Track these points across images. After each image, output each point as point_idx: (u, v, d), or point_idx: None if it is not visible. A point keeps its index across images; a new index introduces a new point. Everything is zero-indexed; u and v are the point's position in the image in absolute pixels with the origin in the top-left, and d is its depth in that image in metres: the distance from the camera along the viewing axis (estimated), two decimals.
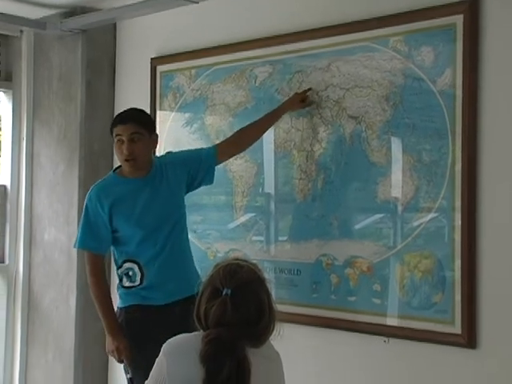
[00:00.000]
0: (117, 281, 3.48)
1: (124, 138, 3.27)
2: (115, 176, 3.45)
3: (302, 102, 3.50)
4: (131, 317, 3.38)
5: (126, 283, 3.39)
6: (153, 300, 3.34)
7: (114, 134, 3.33)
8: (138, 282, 3.36)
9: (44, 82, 4.65)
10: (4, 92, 4.79)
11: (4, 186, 4.71)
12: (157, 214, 3.35)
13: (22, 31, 4.64)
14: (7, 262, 4.69)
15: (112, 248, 3.43)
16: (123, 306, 3.42)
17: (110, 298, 3.40)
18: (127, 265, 3.38)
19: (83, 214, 3.40)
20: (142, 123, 3.32)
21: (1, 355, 4.72)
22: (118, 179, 3.42)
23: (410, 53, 3.14)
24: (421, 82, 3.11)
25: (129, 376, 3.37)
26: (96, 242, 3.36)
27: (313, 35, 3.50)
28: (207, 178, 3.52)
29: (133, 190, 3.36)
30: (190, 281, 3.19)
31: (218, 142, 3.74)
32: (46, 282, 4.60)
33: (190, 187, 3.52)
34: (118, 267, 3.42)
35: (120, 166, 3.45)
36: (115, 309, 3.43)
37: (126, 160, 3.30)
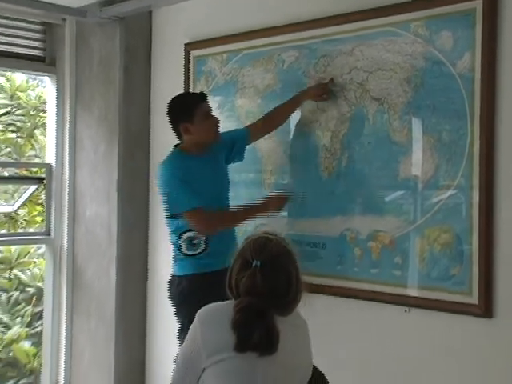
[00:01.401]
0: (171, 251, 3.52)
1: (210, 111, 3.48)
2: (180, 153, 3.50)
3: (324, 94, 3.49)
4: (193, 284, 3.41)
5: (188, 251, 3.43)
6: (212, 266, 3.33)
7: (200, 110, 3.42)
8: (201, 250, 3.41)
9: (85, 67, 4.65)
10: (49, 77, 4.78)
11: (49, 165, 4.72)
12: (217, 188, 3.48)
13: (64, 19, 4.62)
14: (53, 235, 4.71)
15: (170, 220, 3.46)
16: (183, 274, 3.45)
17: (231, 210, 3.53)
18: (191, 233, 3.41)
19: (176, 182, 3.39)
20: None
21: (48, 322, 4.76)
22: (183, 155, 3.48)
23: (431, 37, 3.09)
24: (441, 65, 3.05)
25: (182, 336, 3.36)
26: (198, 199, 3.34)
27: (337, 21, 3.45)
28: (238, 155, 3.63)
29: (199, 164, 3.42)
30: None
31: (248, 123, 3.77)
32: (88, 254, 4.63)
33: (226, 163, 3.62)
34: (179, 236, 3.45)
35: (178, 145, 3.52)
36: (170, 277, 3.49)
37: (216, 127, 3.47)
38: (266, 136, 3.71)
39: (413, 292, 3.18)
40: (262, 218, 3.69)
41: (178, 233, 3.46)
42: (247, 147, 3.66)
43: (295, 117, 3.64)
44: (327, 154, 3.50)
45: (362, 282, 3.34)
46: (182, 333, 3.40)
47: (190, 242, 3.42)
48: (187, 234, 3.43)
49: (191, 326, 2.26)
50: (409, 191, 3.21)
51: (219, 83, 4.08)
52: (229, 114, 3.99)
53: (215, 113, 3.94)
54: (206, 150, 3.47)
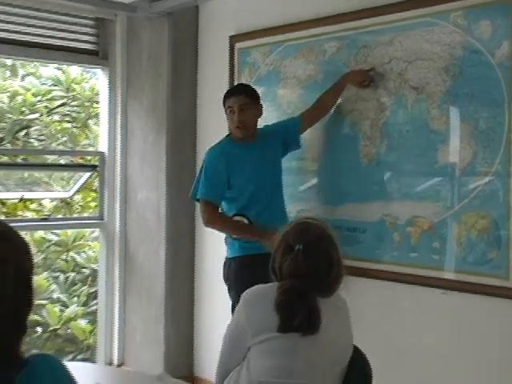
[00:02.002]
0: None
1: (235, 109, 3.43)
2: (228, 141, 3.58)
3: (365, 80, 3.44)
4: (240, 266, 3.45)
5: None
6: (257, 249, 3.36)
7: (226, 106, 3.49)
8: None
9: (135, 60, 4.67)
10: (101, 69, 4.82)
11: (102, 154, 4.77)
12: (264, 174, 3.48)
13: (116, 15, 4.65)
14: (106, 219, 4.76)
15: (222, 204, 3.51)
16: (232, 256, 3.51)
17: (234, 221, 3.47)
18: (237, 218, 3.46)
19: (202, 171, 3.51)
20: (249, 95, 3.50)
21: (102, 301, 4.82)
22: (231, 143, 3.54)
23: (469, 27, 3.02)
24: (479, 54, 2.99)
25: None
26: (213, 193, 3.47)
27: (377, 12, 3.41)
28: (294, 144, 3.62)
29: (244, 152, 3.47)
30: None
31: (289, 112, 3.76)
32: (139, 237, 4.66)
33: (283, 152, 3.63)
34: None
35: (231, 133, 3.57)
36: (224, 259, 3.55)
37: (237, 127, 3.45)
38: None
39: (450, 275, 3.13)
40: (304, 204, 3.71)
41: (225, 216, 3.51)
42: None
43: (336, 105, 3.60)
44: (367, 142, 3.46)
45: (401, 266, 3.31)
46: (233, 311, 3.46)
47: None
48: (235, 219, 3.46)
49: (237, 307, 2.28)
50: (446, 178, 3.15)
51: (262, 74, 4.06)
52: (271, 104, 3.97)
53: None
54: (252, 138, 3.50)
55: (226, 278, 3.53)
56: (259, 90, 3.99)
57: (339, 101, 3.58)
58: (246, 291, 2.28)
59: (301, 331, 2.10)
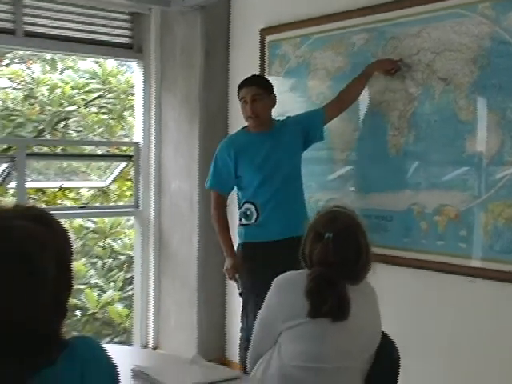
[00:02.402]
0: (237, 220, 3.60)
1: (247, 99, 3.44)
2: (243, 131, 3.63)
3: (392, 69, 3.41)
4: (246, 251, 3.50)
5: (244, 221, 3.51)
6: (264, 237, 3.44)
7: (239, 96, 3.50)
8: (253, 221, 3.47)
9: (169, 53, 4.68)
10: (136, 62, 4.84)
11: (137, 144, 4.79)
12: (274, 163, 3.45)
13: (151, 9, 4.66)
14: (141, 207, 4.79)
15: (236, 191, 3.57)
16: (240, 242, 3.55)
17: (227, 228, 3.57)
18: (246, 205, 3.49)
19: (213, 160, 3.59)
20: (261, 86, 3.50)
21: (138, 286, 4.86)
22: (244, 133, 3.59)
23: (498, 18, 2.97)
24: (507, 45, 2.93)
25: (239, 291, 3.55)
26: (221, 184, 3.56)
27: (405, 4, 3.36)
28: (317, 135, 3.57)
29: (256, 141, 3.49)
30: (298, 223, 3.28)
31: (318, 103, 3.73)
32: (172, 224, 4.69)
33: (306, 144, 3.58)
34: (239, 208, 3.55)
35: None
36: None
37: (250, 117, 3.47)
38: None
39: (477, 263, 3.10)
40: (333, 193, 3.69)
41: (239, 204, 3.55)
42: None
43: (364, 96, 3.57)
44: (395, 132, 3.43)
45: (428, 254, 3.28)
46: (241, 295, 3.56)
47: (245, 213, 3.50)
48: (245, 206, 3.50)
49: (268, 293, 2.28)
50: (473, 167, 3.11)
51: (292, 66, 4.03)
52: (301, 95, 3.95)
53: (288, 95, 3.93)
54: (266, 128, 3.50)
55: None
56: (289, 82, 3.98)
57: (367, 92, 3.55)
58: (278, 277, 2.28)
59: (330, 317, 2.10)
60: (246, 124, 3.58)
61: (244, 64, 4.39)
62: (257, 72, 4.11)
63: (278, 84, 4.09)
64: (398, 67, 3.39)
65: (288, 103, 3.95)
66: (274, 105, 3.56)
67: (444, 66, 3.19)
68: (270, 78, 4.12)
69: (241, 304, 3.56)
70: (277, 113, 3.66)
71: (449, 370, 3.23)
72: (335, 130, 3.73)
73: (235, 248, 3.57)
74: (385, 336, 2.27)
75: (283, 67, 4.09)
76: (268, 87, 3.53)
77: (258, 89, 3.45)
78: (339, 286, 2.12)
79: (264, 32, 4.22)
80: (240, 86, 3.51)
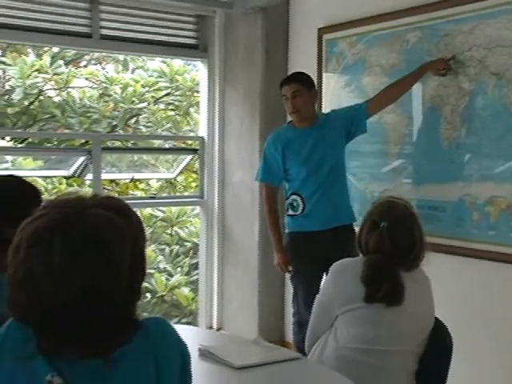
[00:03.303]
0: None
1: (288, 96, 3.43)
2: (287, 126, 3.63)
3: (443, 70, 3.35)
4: (293, 240, 3.51)
5: (291, 212, 3.50)
6: (309, 227, 3.43)
7: (282, 94, 3.51)
8: (299, 212, 3.46)
9: (232, 53, 4.70)
10: (201, 61, 4.87)
11: (202, 138, 4.83)
12: (319, 157, 3.43)
13: (214, 11, 4.68)
14: (205, 198, 4.84)
15: (284, 183, 3.56)
16: (288, 231, 3.56)
17: (278, 222, 3.57)
18: (293, 197, 3.49)
19: (262, 155, 3.61)
20: (300, 82, 3.47)
21: (203, 271, 4.90)
22: (289, 128, 3.58)
23: None
24: None
25: (293, 281, 3.56)
26: (270, 177, 3.57)
27: (458, 2, 3.29)
28: (360, 128, 3.52)
29: (301, 136, 3.48)
30: (341, 213, 3.43)
31: None
32: (235, 214, 4.72)
33: (349, 136, 3.53)
34: (286, 199, 3.55)
35: None
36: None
37: (292, 112, 3.45)
38: (390, 109, 3.60)
39: None
40: (387, 185, 3.66)
41: (286, 195, 3.55)
42: (373, 120, 3.55)
43: (417, 92, 3.52)
44: (447, 126, 3.37)
45: (480, 243, 3.22)
46: (291, 281, 3.58)
47: (292, 204, 3.49)
48: (292, 197, 3.49)
49: (326, 278, 2.30)
50: None
51: (349, 63, 4.00)
52: (356, 91, 3.91)
53: (343, 90, 3.91)
54: (309, 122, 3.47)
55: None
56: (345, 78, 3.95)
57: (421, 87, 3.49)
58: (335, 264, 2.28)
59: (385, 302, 2.10)
60: (291, 119, 3.58)
61: (302, 62, 4.38)
62: (314, 70, 4.09)
63: (335, 80, 4.09)
64: (449, 67, 3.33)
65: (344, 99, 3.93)
66: (315, 99, 3.56)
67: (496, 61, 3.12)
68: (326, 75, 4.12)
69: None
70: (332, 108, 3.65)
71: (499, 355, 3.17)
72: (389, 124, 3.69)
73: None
74: (438, 321, 2.26)
75: (340, 64, 4.05)
76: (308, 83, 3.50)
77: (298, 85, 3.44)
78: (394, 272, 2.13)
79: (321, 31, 4.19)
80: (281, 84, 3.51)
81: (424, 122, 3.54)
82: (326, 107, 4.00)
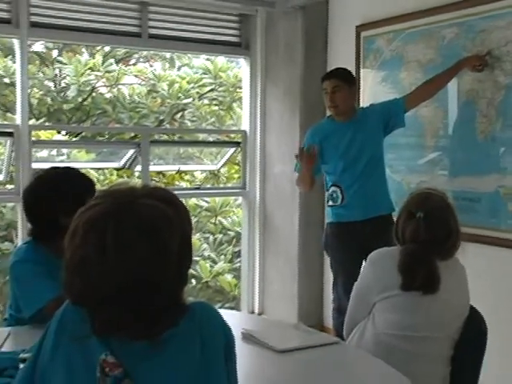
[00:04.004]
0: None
1: (328, 90, 3.42)
2: (327, 119, 3.63)
3: (479, 66, 3.29)
4: (333, 230, 3.51)
5: (331, 203, 3.50)
6: (349, 217, 3.42)
7: (322, 88, 3.49)
8: (339, 202, 3.45)
9: (273, 50, 4.69)
10: (244, 59, 4.88)
11: (244, 132, 4.85)
12: (357, 150, 3.41)
13: (257, 10, 4.68)
14: (247, 189, 4.85)
15: (324, 175, 3.56)
16: (328, 221, 3.56)
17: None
18: (332, 188, 3.48)
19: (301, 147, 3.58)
20: (341, 78, 3.45)
21: (245, 259, 4.93)
22: (328, 122, 3.59)
23: None
24: None
25: (333, 269, 3.55)
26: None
27: None
28: (398, 122, 3.48)
29: (339, 129, 3.46)
30: (380, 204, 3.41)
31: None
32: (276, 204, 4.72)
33: (387, 130, 3.50)
34: (326, 190, 3.55)
35: None
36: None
37: (330, 107, 3.45)
38: (426, 103, 3.55)
39: None
40: (423, 176, 3.61)
41: (326, 186, 3.54)
42: (409, 114, 3.50)
43: (453, 86, 3.46)
44: (483, 120, 3.31)
45: None
46: (331, 269, 3.55)
47: (331, 195, 3.48)
48: (332, 189, 3.48)
49: (364, 266, 2.29)
50: None
51: (386, 59, 3.96)
52: (393, 86, 3.87)
53: (380, 86, 3.87)
54: (348, 117, 3.45)
55: (324, 243, 3.60)
56: (382, 74, 3.92)
57: (457, 81, 3.44)
58: (373, 252, 2.28)
59: (421, 290, 2.09)
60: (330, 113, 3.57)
61: (341, 58, 4.34)
62: (352, 66, 4.06)
63: (372, 76, 4.05)
64: (485, 63, 3.26)
65: (380, 94, 3.90)
66: (354, 95, 3.54)
67: None
68: (364, 71, 4.09)
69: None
70: (370, 102, 3.61)
71: None
72: (425, 117, 3.64)
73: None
74: (473, 309, 2.23)
75: (377, 60, 4.01)
76: (348, 79, 3.47)
77: (338, 81, 3.42)
78: (430, 261, 2.11)
79: (359, 28, 4.15)
80: (323, 79, 3.50)
81: (459, 115, 3.49)
82: (364, 102, 3.98)
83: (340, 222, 3.46)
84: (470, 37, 3.37)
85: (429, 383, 2.11)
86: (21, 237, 3.94)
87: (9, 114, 5.51)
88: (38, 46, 5.93)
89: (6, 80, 5.47)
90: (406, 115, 3.47)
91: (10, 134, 3.96)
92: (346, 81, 3.45)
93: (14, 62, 4.45)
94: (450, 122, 3.55)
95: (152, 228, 1.20)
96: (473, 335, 2.17)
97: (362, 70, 4.11)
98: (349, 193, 3.41)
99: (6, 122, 5.29)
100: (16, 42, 3.97)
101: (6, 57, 5.55)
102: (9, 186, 4.54)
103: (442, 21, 3.55)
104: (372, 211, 3.38)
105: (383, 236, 3.00)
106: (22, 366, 1.35)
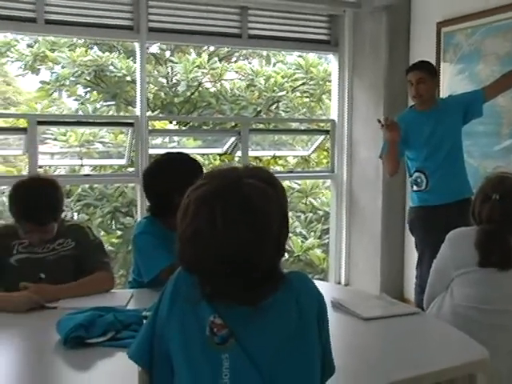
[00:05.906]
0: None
1: (413, 81, 3.34)
2: (410, 109, 3.54)
3: None
4: (419, 214, 3.42)
5: (415, 188, 3.41)
6: (432, 201, 3.34)
7: (407, 79, 3.41)
8: (423, 187, 3.36)
9: (359, 47, 4.63)
10: (333, 55, 4.84)
11: (333, 121, 4.82)
12: (439, 138, 3.33)
13: (344, 11, 4.63)
14: (336, 172, 4.84)
15: (406, 161, 3.48)
16: (412, 205, 3.49)
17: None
18: (416, 174, 3.39)
19: None
20: (425, 70, 3.37)
21: (333, 236, 4.91)
22: (411, 111, 3.51)
23: None
24: None
25: (418, 249, 3.46)
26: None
27: None
28: (477, 112, 3.38)
29: (422, 118, 3.38)
30: (461, 188, 3.30)
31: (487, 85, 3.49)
32: (361, 187, 4.69)
33: (466, 119, 3.40)
34: (410, 176, 3.46)
35: None
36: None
37: (414, 97, 3.37)
38: (503, 93, 3.41)
39: None
40: (498, 162, 3.50)
41: (409, 172, 3.45)
42: (487, 103, 3.37)
43: None
44: None
45: None
46: (416, 249, 3.47)
47: (416, 181, 3.39)
48: (415, 174, 3.39)
49: (443, 245, 2.26)
50: None
51: (464, 53, 3.83)
52: (470, 78, 3.75)
53: (458, 77, 3.75)
54: (430, 106, 3.36)
55: (409, 225, 3.52)
56: (460, 66, 3.80)
57: None
58: (451, 232, 2.25)
59: (497, 266, 2.05)
60: (413, 103, 3.49)
61: (422, 53, 4.22)
62: (433, 60, 3.94)
63: (451, 69, 3.93)
64: None
65: (458, 85, 3.78)
66: (437, 87, 3.44)
67: None
68: (444, 65, 3.97)
69: (416, 254, 3.51)
70: (448, 94, 3.50)
71: None
72: (502, 107, 3.51)
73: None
74: None
75: (456, 55, 3.89)
76: (431, 71, 3.39)
77: (422, 73, 3.33)
78: (505, 240, 2.07)
79: (440, 25, 4.03)
80: (407, 70, 3.42)
81: None
82: (444, 93, 3.86)
83: (425, 206, 3.38)
84: None
85: (501, 352, 2.06)
86: (140, 213, 4.13)
87: (130, 107, 5.77)
88: (154, 48, 6.15)
89: (128, 78, 5.70)
90: (484, 105, 3.35)
91: (131, 125, 4.15)
92: (430, 73, 3.37)
93: (135, 63, 4.65)
94: None
95: (255, 207, 1.20)
96: None
97: (441, 64, 4.00)
98: (433, 178, 3.33)
99: (127, 114, 5.55)
100: (137, 45, 4.14)
101: (128, 58, 5.78)
102: (130, 169, 4.76)
103: None
104: (455, 195, 3.29)
105: (464, 217, 2.93)
106: (144, 322, 1.42)
